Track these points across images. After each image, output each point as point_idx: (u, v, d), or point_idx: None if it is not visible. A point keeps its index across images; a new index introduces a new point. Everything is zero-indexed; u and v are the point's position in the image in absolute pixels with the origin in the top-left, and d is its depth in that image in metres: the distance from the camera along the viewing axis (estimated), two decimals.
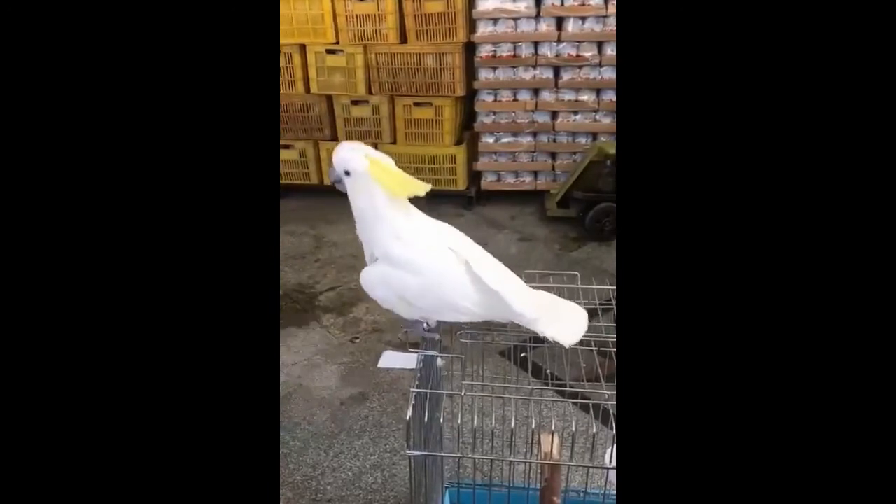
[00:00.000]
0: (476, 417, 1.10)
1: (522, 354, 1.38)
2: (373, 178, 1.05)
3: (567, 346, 1.06)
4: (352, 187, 1.08)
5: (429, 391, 1.02)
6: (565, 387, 1.52)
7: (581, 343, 1.17)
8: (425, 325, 1.19)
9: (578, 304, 1.24)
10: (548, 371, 1.25)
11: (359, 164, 1.04)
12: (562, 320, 1.10)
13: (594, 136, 3.85)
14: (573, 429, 1.08)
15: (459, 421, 1.02)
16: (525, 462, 1.28)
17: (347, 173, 1.06)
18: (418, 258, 1.07)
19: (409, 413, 0.95)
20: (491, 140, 3.97)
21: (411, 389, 1.00)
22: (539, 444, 1.26)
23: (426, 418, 0.99)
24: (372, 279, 1.11)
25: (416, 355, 1.13)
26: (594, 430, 1.01)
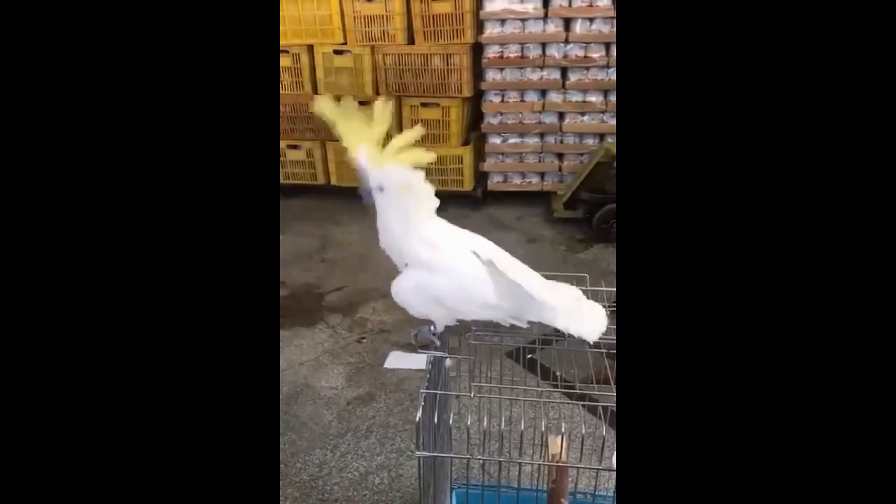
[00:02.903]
0: (484, 419, 1.10)
1: (530, 356, 1.38)
2: (408, 182, 1.05)
3: (590, 342, 1.08)
4: (383, 203, 1.09)
5: (438, 392, 1.02)
6: (574, 389, 1.52)
7: (590, 345, 1.17)
8: (432, 327, 1.19)
9: None
10: (556, 373, 1.25)
11: (394, 182, 1.05)
12: (583, 316, 1.12)
13: (601, 137, 3.84)
14: (582, 431, 1.08)
15: (468, 422, 1.01)
16: (533, 464, 1.28)
17: (381, 189, 1.07)
18: (448, 260, 1.09)
19: (419, 414, 0.95)
20: (498, 141, 3.97)
21: (421, 391, 1.00)
22: (547, 445, 1.26)
23: (435, 419, 0.99)
24: (404, 286, 1.12)
25: (422, 356, 1.13)
26: (603, 433, 1.00)
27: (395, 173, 1.05)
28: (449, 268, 1.09)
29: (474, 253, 1.09)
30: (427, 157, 1.06)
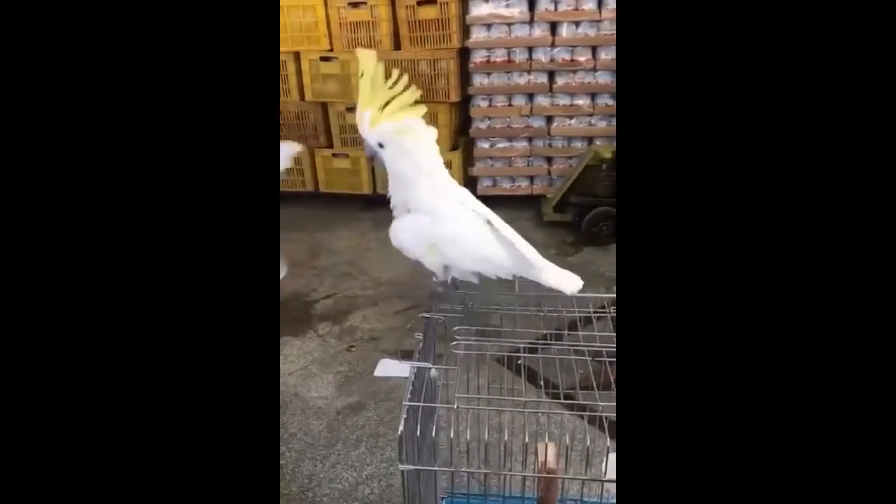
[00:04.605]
0: (470, 428, 1.09)
1: (518, 361, 1.38)
2: (402, 128, 1.13)
3: (569, 293, 1.20)
4: (388, 155, 1.17)
5: (421, 404, 1.01)
6: (560, 395, 1.51)
7: (575, 352, 1.17)
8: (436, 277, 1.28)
9: (572, 311, 1.24)
10: (541, 381, 1.25)
11: (387, 129, 1.13)
12: (563, 275, 1.23)
13: (590, 140, 3.85)
14: (570, 437, 1.07)
15: (452, 433, 1.00)
16: (516, 475, 1.27)
17: (381, 145, 1.15)
18: (449, 209, 1.18)
19: (401, 427, 0.93)
20: (486, 145, 3.97)
21: (403, 403, 0.99)
22: (535, 454, 1.24)
23: (418, 431, 0.97)
24: (402, 225, 1.22)
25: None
26: (589, 441, 0.99)
27: (390, 125, 1.13)
28: (449, 216, 1.18)
29: (474, 211, 1.19)
30: (418, 111, 1.14)
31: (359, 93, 1.15)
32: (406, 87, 1.14)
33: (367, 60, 1.12)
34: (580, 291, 1.28)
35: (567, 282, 1.21)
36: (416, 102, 1.15)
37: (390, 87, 1.13)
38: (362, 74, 1.13)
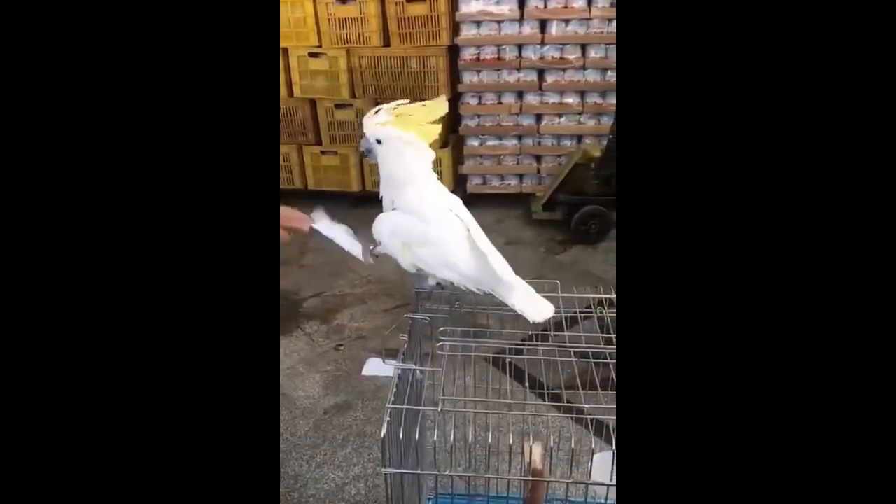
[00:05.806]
0: (456, 429, 1.08)
1: (509, 360, 1.37)
2: (404, 138, 1.16)
3: (531, 321, 1.16)
4: (383, 154, 1.19)
5: (404, 407, 1.00)
6: (546, 395, 1.50)
7: (561, 352, 1.16)
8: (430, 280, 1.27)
9: (559, 311, 1.23)
10: (527, 383, 1.24)
11: (390, 132, 1.16)
12: (532, 301, 1.20)
13: (579, 138, 3.85)
14: (557, 437, 1.06)
15: (435, 437, 0.99)
16: (500, 478, 1.26)
17: (379, 142, 1.17)
18: (430, 210, 1.19)
19: (384, 430, 0.92)
20: (476, 143, 3.96)
21: (387, 406, 0.98)
22: (522, 454, 1.24)
23: (401, 434, 0.96)
24: (383, 221, 1.23)
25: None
26: (574, 442, 0.99)
27: (393, 130, 1.16)
28: (432, 218, 1.19)
29: (457, 216, 1.19)
30: (431, 139, 1.17)
31: (400, 104, 1.16)
32: (439, 124, 1.17)
33: (441, 107, 1.16)
34: (566, 291, 1.28)
35: (535, 309, 1.16)
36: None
37: (429, 122, 1.16)
38: (424, 105, 1.16)
